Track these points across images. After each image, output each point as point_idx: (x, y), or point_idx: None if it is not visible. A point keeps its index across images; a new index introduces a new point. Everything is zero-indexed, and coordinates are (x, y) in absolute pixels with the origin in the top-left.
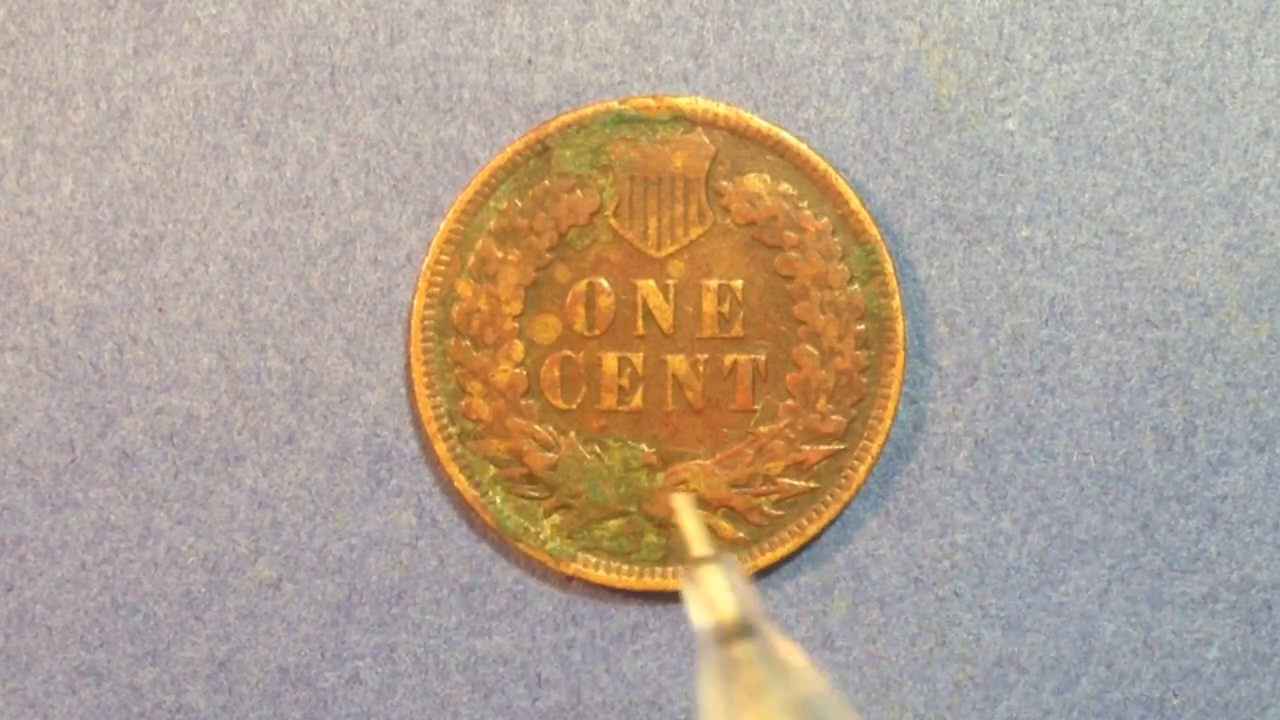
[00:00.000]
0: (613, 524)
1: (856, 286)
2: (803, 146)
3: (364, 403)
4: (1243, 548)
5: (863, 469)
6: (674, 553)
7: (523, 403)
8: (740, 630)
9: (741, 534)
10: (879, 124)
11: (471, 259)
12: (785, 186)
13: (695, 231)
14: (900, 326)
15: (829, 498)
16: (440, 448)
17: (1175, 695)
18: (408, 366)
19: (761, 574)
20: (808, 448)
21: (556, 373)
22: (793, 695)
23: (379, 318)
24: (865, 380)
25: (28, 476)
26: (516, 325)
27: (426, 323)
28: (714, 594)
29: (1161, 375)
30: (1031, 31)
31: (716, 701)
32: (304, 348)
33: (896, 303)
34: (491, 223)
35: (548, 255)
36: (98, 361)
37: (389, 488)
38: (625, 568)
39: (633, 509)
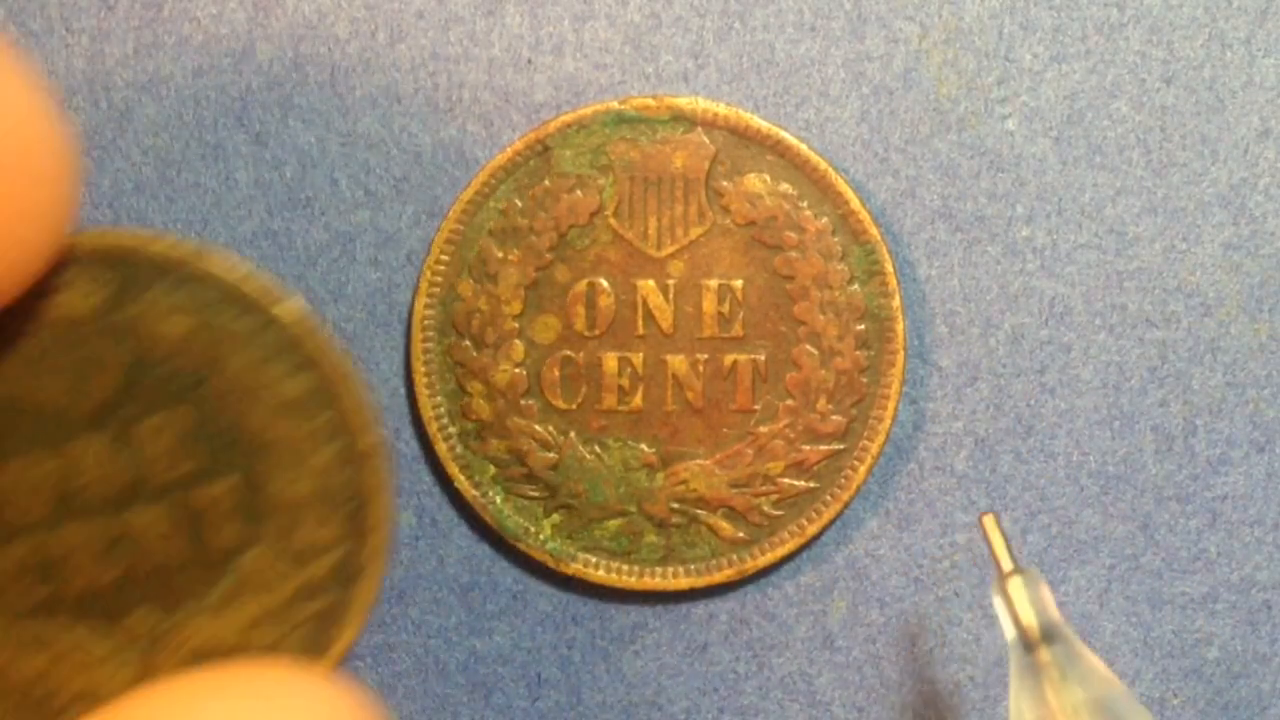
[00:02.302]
0: (613, 524)
1: (856, 286)
2: (803, 146)
3: None
4: (1243, 548)
5: (863, 469)
6: (674, 553)
7: (523, 403)
8: (1043, 637)
9: (741, 534)
10: (879, 124)
11: (472, 259)
12: (785, 186)
13: (695, 231)
14: (900, 326)
15: (829, 498)
16: (440, 448)
17: (1175, 695)
18: (407, 366)
19: (761, 574)
20: (808, 448)
21: (556, 373)
22: (1092, 695)
23: (379, 318)
24: (865, 380)
25: None
26: (517, 325)
27: (426, 322)
28: (1018, 605)
29: (1161, 375)
30: (1031, 31)
31: (1023, 702)
32: None
33: (896, 303)
34: (491, 223)
35: (548, 255)
36: None
37: None
38: (625, 568)
39: (633, 509)
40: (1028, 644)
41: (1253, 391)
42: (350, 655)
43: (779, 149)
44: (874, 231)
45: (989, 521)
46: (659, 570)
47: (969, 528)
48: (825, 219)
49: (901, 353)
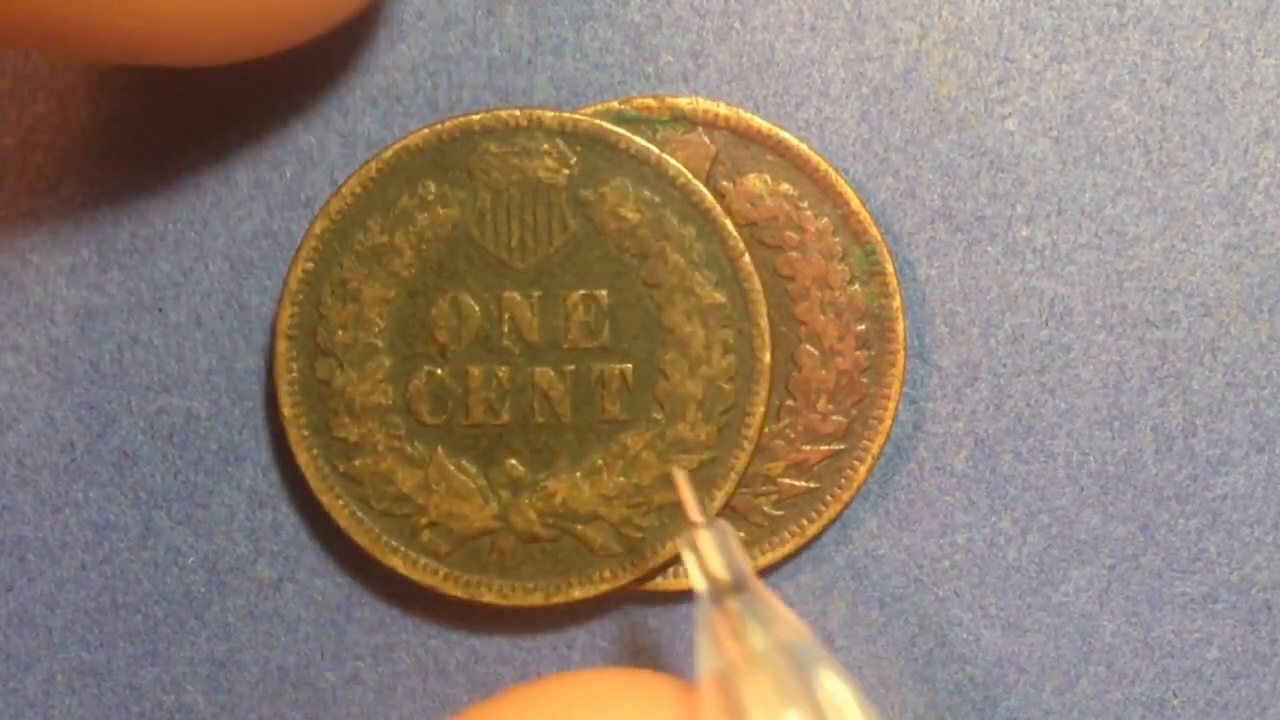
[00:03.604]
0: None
1: (857, 287)
2: (803, 146)
3: None
4: (1243, 548)
5: (863, 469)
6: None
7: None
8: (730, 587)
9: (741, 534)
10: (879, 124)
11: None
12: (785, 186)
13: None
14: (900, 326)
15: (829, 498)
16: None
17: (1175, 695)
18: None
19: (761, 574)
20: (808, 448)
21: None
22: (776, 641)
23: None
24: (865, 380)
25: (28, 476)
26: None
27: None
28: (707, 556)
29: (1161, 375)
30: (1031, 31)
31: (708, 651)
32: None
33: (896, 303)
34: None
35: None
36: (98, 361)
37: None
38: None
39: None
40: (716, 594)
41: (1253, 391)
42: (350, 655)
43: (779, 149)
44: (874, 231)
45: (679, 475)
46: (661, 571)
47: (969, 528)
48: (825, 219)
49: (901, 353)
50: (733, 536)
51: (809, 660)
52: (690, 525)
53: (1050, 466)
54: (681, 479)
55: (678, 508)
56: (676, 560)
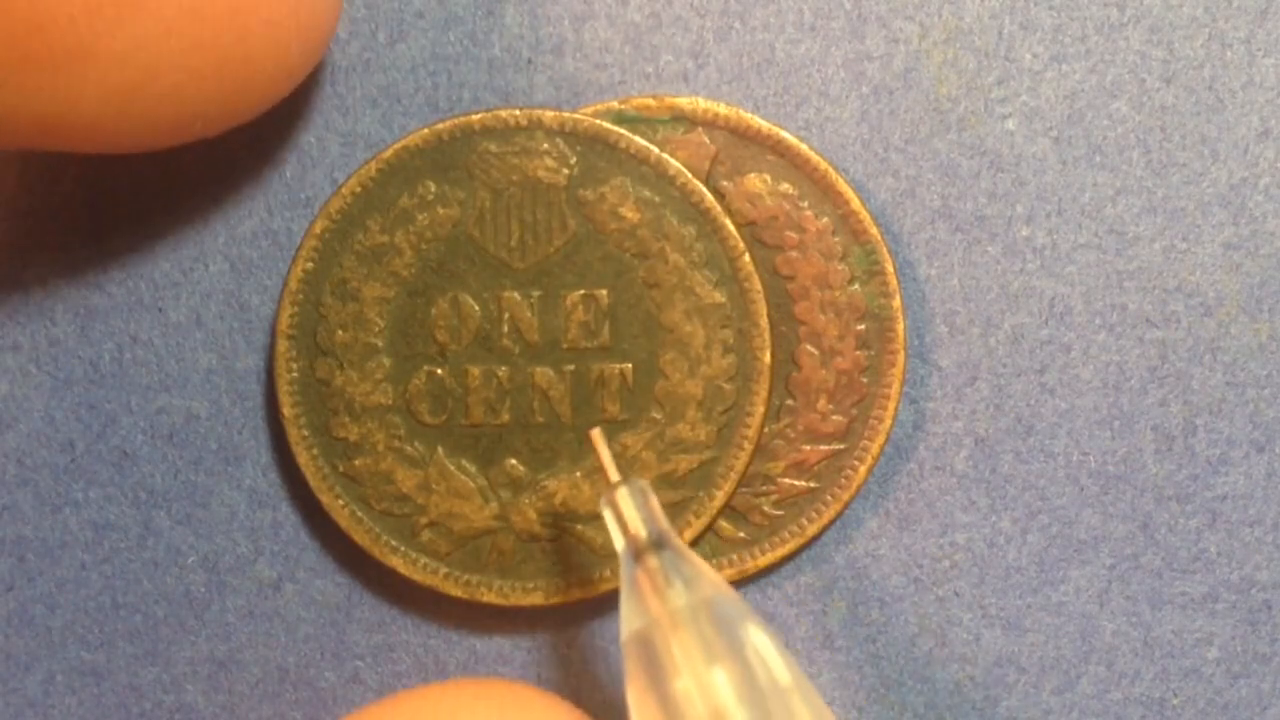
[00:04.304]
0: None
1: (857, 286)
2: (803, 146)
3: None
4: (1243, 548)
5: (863, 469)
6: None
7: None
8: (650, 545)
9: (742, 534)
10: (879, 124)
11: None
12: (785, 186)
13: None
14: (900, 326)
15: (829, 498)
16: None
17: (1175, 695)
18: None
19: (761, 574)
20: (808, 448)
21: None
22: (697, 597)
23: None
24: (865, 380)
25: (28, 476)
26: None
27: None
28: (626, 514)
29: (1161, 375)
30: (1031, 31)
31: (630, 609)
32: None
33: (896, 303)
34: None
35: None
36: (98, 361)
37: None
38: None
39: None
40: (636, 552)
41: (1253, 391)
42: (350, 655)
43: (779, 149)
44: (874, 231)
45: (596, 435)
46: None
47: (969, 528)
48: (825, 219)
49: (901, 353)
50: (651, 494)
51: (733, 616)
52: (609, 485)
53: (1050, 466)
54: (599, 439)
55: (671, 506)
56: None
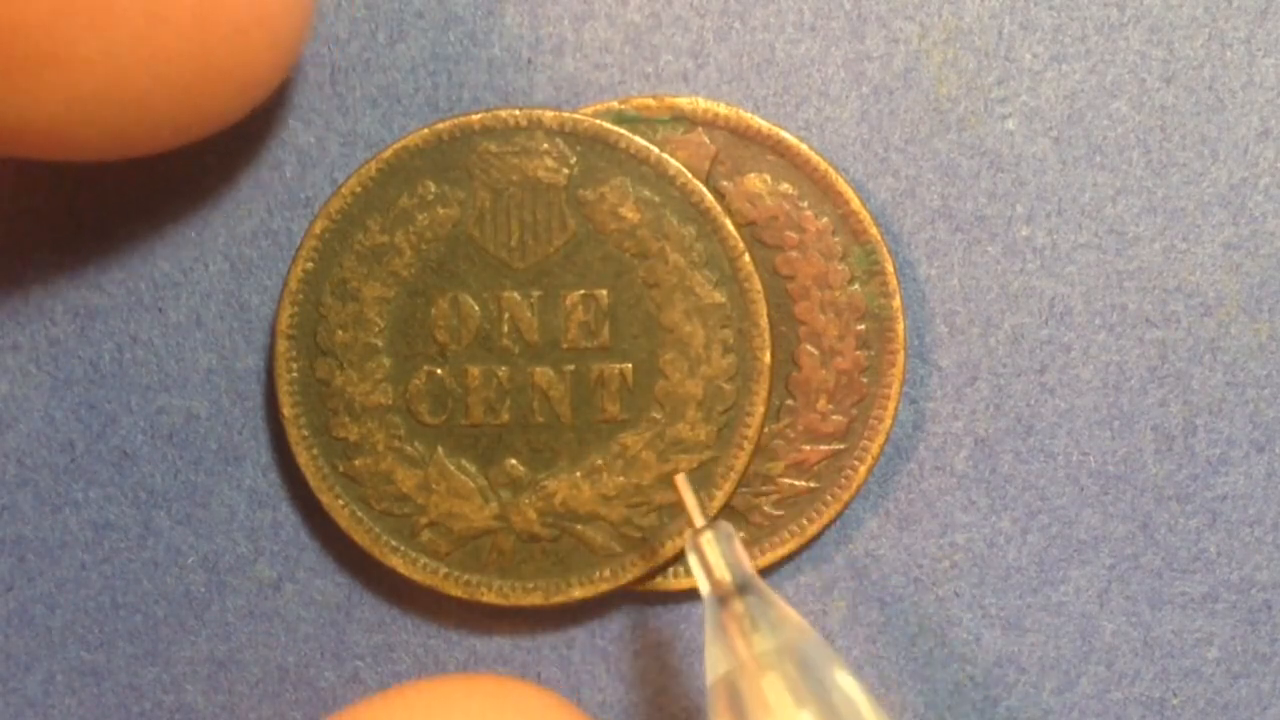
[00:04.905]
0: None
1: (856, 286)
2: (803, 146)
3: None
4: (1243, 548)
5: (863, 469)
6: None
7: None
8: (735, 589)
9: (742, 534)
10: (879, 124)
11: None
12: (785, 186)
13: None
14: (900, 326)
15: (829, 498)
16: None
17: (1175, 695)
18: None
19: (761, 574)
20: (808, 448)
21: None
22: (783, 642)
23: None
24: (865, 380)
25: (28, 476)
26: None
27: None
28: (711, 559)
29: (1161, 375)
30: (1031, 31)
31: (716, 653)
32: None
33: (896, 303)
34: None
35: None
36: (98, 361)
37: None
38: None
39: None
40: (721, 596)
41: (1253, 391)
42: (350, 655)
43: (779, 149)
44: (874, 231)
45: (681, 480)
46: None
47: (969, 528)
48: (825, 219)
49: (901, 353)
50: (735, 538)
51: (820, 660)
52: (694, 529)
53: (1050, 466)
54: (683, 484)
55: (679, 509)
56: (676, 560)
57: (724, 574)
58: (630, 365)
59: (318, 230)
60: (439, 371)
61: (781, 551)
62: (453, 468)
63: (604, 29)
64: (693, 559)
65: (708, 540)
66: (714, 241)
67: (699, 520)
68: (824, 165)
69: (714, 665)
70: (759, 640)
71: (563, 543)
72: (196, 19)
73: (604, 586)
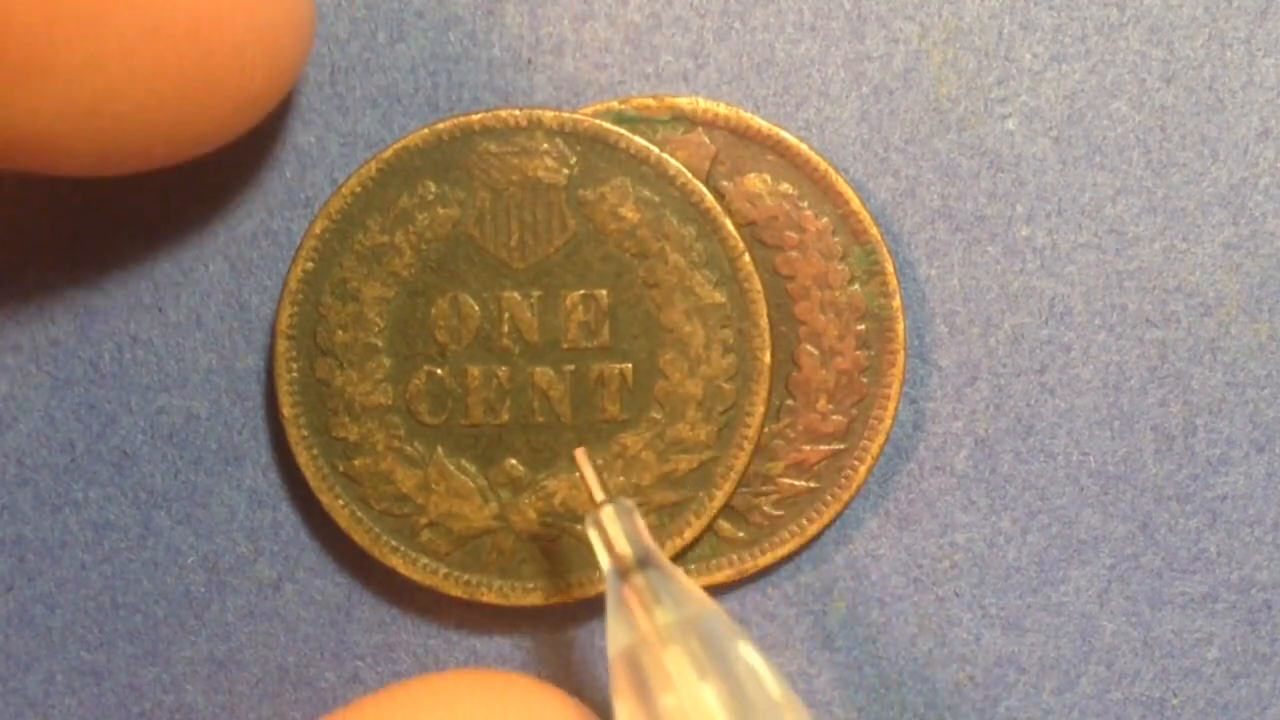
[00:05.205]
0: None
1: (856, 286)
2: (803, 146)
3: None
4: (1243, 548)
5: (863, 469)
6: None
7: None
8: (636, 563)
9: (741, 534)
10: (879, 124)
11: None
12: (785, 186)
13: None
14: (900, 326)
15: (829, 498)
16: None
17: (1175, 695)
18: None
19: (761, 574)
20: (808, 448)
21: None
22: (685, 616)
23: None
24: (865, 380)
25: (28, 476)
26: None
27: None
28: (611, 533)
29: (1161, 375)
30: (1031, 31)
31: (618, 627)
32: None
33: (896, 303)
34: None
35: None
36: (98, 361)
37: None
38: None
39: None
40: (621, 570)
41: (1253, 391)
42: (350, 655)
43: (779, 149)
44: (874, 231)
45: (581, 455)
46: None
47: (969, 528)
48: (825, 219)
49: (901, 353)
50: (636, 513)
51: (722, 633)
52: (594, 504)
53: (1050, 466)
54: (583, 458)
55: (680, 509)
56: (676, 560)
57: (625, 548)
58: (630, 365)
59: (318, 230)
60: (439, 371)
61: (781, 551)
62: (452, 468)
63: (604, 29)
64: (593, 534)
65: (608, 515)
66: (714, 241)
67: (599, 495)
68: (824, 165)
69: (615, 639)
70: (661, 614)
71: (563, 543)
72: (192, 34)
73: (604, 586)
